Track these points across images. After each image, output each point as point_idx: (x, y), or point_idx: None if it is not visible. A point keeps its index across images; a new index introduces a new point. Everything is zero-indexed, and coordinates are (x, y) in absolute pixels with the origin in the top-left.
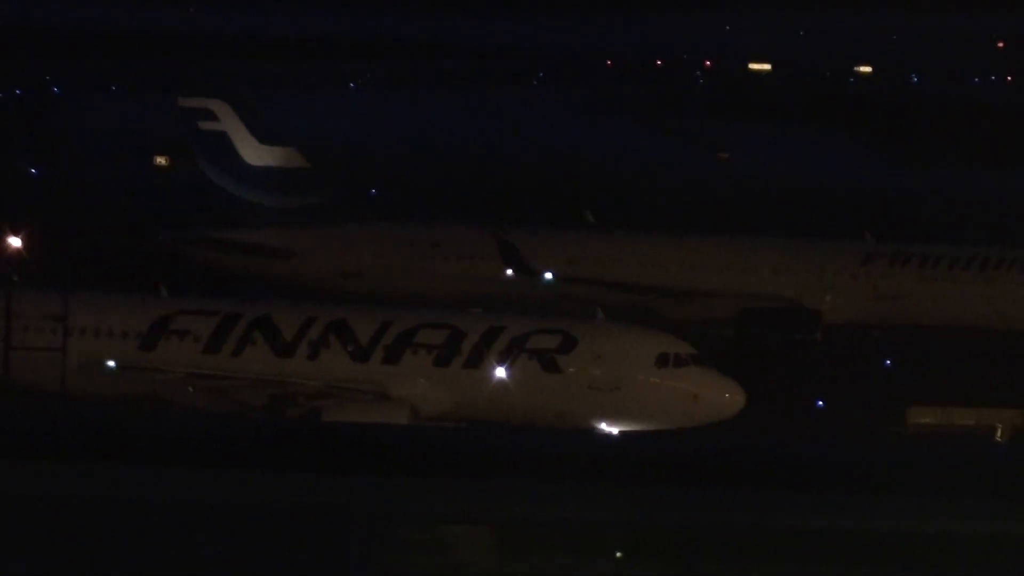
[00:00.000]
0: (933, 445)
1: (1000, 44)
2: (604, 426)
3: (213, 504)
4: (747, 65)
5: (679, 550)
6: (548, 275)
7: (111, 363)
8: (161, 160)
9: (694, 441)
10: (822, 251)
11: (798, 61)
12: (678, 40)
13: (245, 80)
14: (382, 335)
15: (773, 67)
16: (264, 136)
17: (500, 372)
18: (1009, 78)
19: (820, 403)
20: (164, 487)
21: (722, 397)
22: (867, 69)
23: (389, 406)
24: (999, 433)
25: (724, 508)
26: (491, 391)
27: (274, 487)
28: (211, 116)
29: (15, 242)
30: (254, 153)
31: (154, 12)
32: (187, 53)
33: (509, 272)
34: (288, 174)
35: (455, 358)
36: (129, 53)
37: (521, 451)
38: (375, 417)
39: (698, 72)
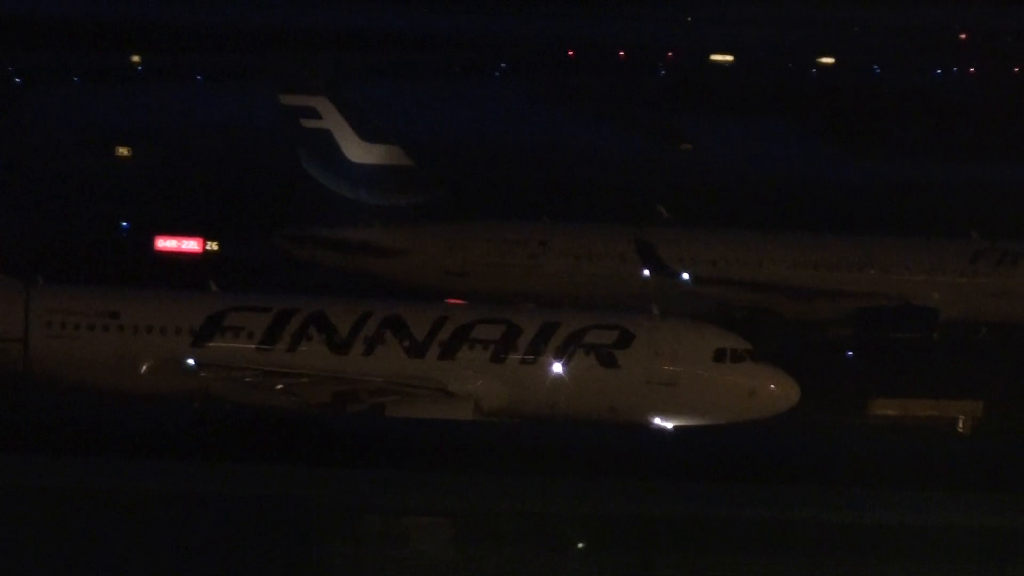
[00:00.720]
0: (894, 438)
1: (962, 36)
2: (660, 421)
3: (180, 496)
4: (709, 56)
5: (642, 542)
6: (685, 275)
7: (191, 361)
8: (123, 151)
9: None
10: (934, 250)
11: (760, 52)
12: (640, 31)
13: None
14: (438, 331)
15: (735, 58)
16: (368, 134)
17: (557, 367)
18: (971, 70)
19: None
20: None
21: (778, 392)
22: (829, 61)
23: (453, 402)
24: (960, 425)
25: (682, 501)
26: (548, 386)
27: (230, 478)
28: (314, 114)
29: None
30: (358, 151)
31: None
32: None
33: (646, 272)
34: (392, 172)
35: (511, 354)
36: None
37: (481, 445)
38: (439, 413)
39: (660, 63)
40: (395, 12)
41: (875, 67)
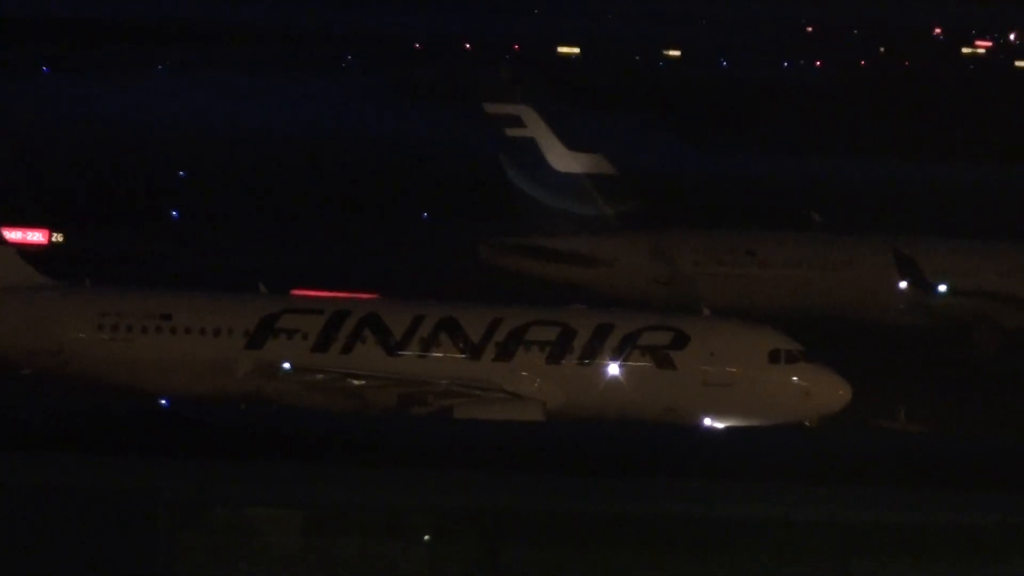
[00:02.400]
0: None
1: (809, 28)
2: (714, 422)
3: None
4: (556, 48)
5: (488, 535)
6: (942, 288)
7: (286, 365)
8: None
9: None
10: None
11: (607, 44)
12: (487, 23)
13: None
14: (493, 332)
15: (582, 50)
16: (572, 143)
17: (613, 368)
18: (818, 62)
19: None
20: None
21: (831, 392)
22: (676, 53)
23: (524, 404)
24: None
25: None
26: (604, 388)
27: (78, 470)
28: (519, 122)
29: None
30: (562, 159)
31: None
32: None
33: (903, 285)
34: (596, 180)
35: (567, 355)
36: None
37: (331, 436)
38: (510, 415)
39: (507, 55)
40: (243, 5)
41: (721, 60)
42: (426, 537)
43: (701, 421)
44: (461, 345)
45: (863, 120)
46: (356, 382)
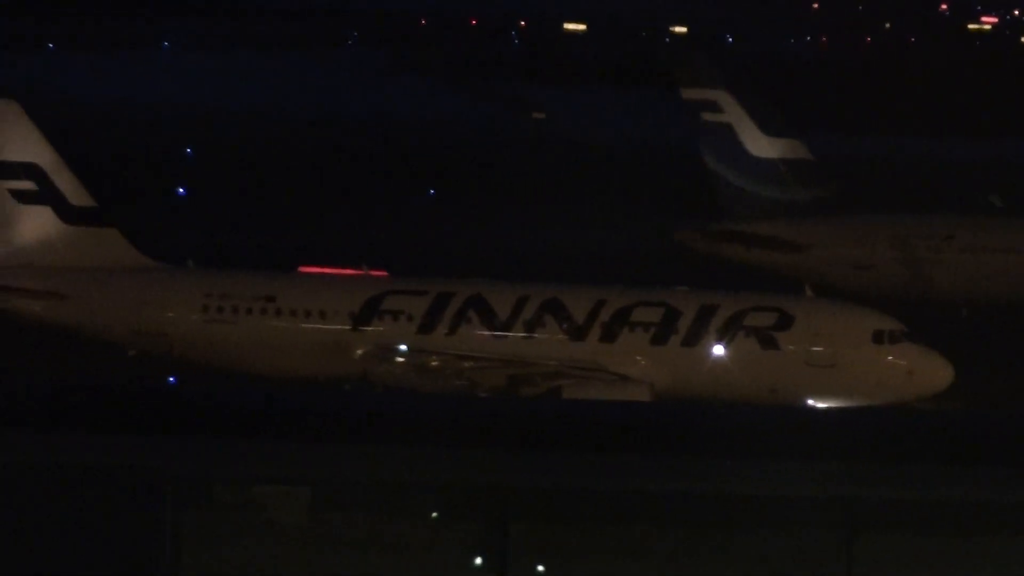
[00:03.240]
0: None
1: (815, 5)
2: (817, 403)
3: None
4: (562, 25)
5: (500, 512)
6: None
7: (403, 347)
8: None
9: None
10: None
11: (614, 21)
12: (492, 0)
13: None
14: (597, 314)
15: (588, 27)
16: (770, 128)
17: (718, 350)
18: (824, 39)
19: None
20: None
21: (934, 372)
22: (682, 30)
23: (631, 386)
24: None
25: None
26: (709, 369)
27: (83, 449)
28: (716, 107)
29: None
30: (759, 145)
31: None
32: None
33: None
34: (793, 166)
35: (672, 336)
36: None
37: (336, 413)
38: (618, 397)
39: (513, 32)
40: None
41: (728, 36)
42: (434, 515)
43: (804, 402)
44: (566, 326)
45: (869, 95)
46: (466, 364)
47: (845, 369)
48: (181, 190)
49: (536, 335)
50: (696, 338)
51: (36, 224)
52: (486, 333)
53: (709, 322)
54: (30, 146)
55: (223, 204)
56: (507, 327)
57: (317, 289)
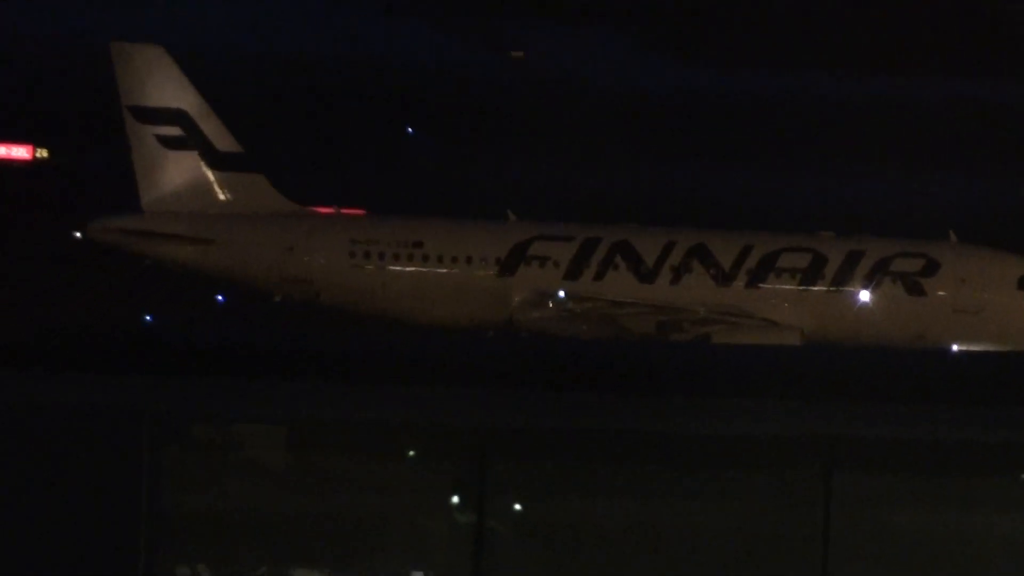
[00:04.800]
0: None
1: None
2: (962, 348)
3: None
4: None
5: (478, 450)
6: None
7: (561, 293)
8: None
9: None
10: None
11: None
12: None
13: None
14: (744, 259)
15: None
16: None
17: (865, 295)
18: None
19: None
20: None
21: None
22: None
23: (782, 331)
24: None
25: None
26: (855, 314)
27: (66, 388)
28: None
29: None
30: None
31: None
32: None
33: None
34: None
35: (819, 282)
36: None
37: (314, 353)
38: (768, 341)
39: None
40: None
41: None
42: (411, 452)
43: (950, 347)
44: (713, 272)
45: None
46: (617, 310)
47: (990, 315)
48: None
49: (683, 281)
50: (843, 283)
51: (183, 170)
52: (633, 279)
53: (856, 268)
54: (177, 92)
55: None
56: (654, 273)
57: (464, 235)
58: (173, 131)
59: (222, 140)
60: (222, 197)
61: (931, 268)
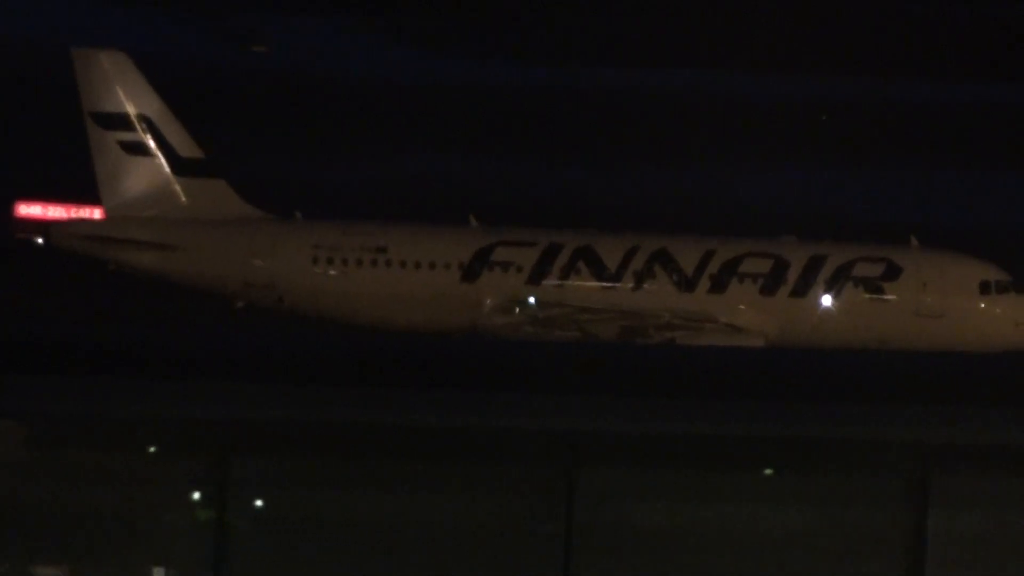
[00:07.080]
0: None
1: None
2: (925, 352)
3: None
4: None
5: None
6: None
7: (532, 299)
8: None
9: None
10: None
11: None
12: None
13: None
14: (706, 265)
15: None
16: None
17: (827, 300)
18: None
19: None
20: None
21: None
22: None
23: (745, 336)
24: None
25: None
26: (818, 319)
27: None
28: None
29: None
30: None
31: None
32: None
33: None
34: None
35: (781, 287)
36: None
37: (58, 344)
38: (732, 345)
39: None
40: None
41: None
42: (152, 449)
43: (912, 352)
44: (675, 277)
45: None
46: (583, 316)
47: (952, 319)
48: None
49: (646, 286)
50: (804, 288)
51: (146, 175)
52: (595, 284)
53: (818, 273)
54: (139, 97)
55: None
56: (616, 278)
57: (428, 240)
58: (135, 137)
59: (184, 146)
60: (184, 202)
61: (893, 272)
